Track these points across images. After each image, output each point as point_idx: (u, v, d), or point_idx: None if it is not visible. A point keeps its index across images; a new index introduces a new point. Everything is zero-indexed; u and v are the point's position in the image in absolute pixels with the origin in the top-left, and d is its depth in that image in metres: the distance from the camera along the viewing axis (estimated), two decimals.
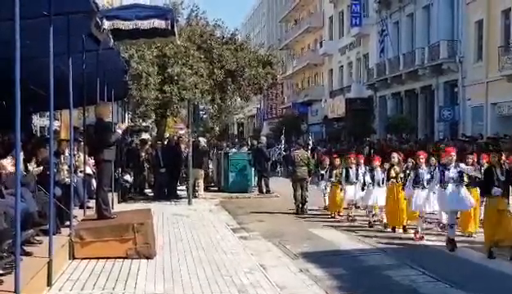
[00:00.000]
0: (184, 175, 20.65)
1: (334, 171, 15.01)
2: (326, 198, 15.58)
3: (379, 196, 12.95)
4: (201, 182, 19.28)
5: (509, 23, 26.76)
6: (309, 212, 15.58)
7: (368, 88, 42.02)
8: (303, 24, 55.33)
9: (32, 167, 8.54)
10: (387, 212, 12.73)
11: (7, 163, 6.89)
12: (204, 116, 24.23)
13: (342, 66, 48.78)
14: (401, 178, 12.37)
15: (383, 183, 12.90)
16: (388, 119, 36.74)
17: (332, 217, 14.68)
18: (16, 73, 5.36)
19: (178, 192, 18.62)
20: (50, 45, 6.66)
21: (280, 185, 21.46)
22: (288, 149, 30.65)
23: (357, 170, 14.11)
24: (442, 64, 31.12)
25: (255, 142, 25.03)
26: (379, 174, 13.15)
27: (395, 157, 12.95)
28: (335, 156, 16.75)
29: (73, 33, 7.87)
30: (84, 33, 8.39)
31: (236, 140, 48.21)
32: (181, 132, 31.16)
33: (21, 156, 7.28)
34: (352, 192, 14.10)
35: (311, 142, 29.86)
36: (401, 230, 12.29)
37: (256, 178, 21.98)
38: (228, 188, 20.83)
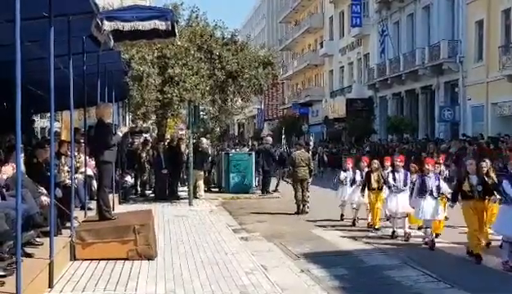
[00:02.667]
0: (185, 176, 20.66)
1: (373, 175, 12.77)
2: (345, 207, 14.31)
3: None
4: (202, 183, 19.28)
5: (509, 23, 26.76)
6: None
7: (369, 88, 42.04)
8: (304, 25, 55.35)
9: None
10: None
11: (9, 170, 6.88)
12: (205, 117, 24.20)
13: (342, 66, 48.79)
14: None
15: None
16: (388, 119, 36.77)
17: (376, 229, 12.66)
18: (17, 75, 5.36)
19: (179, 193, 18.61)
20: (50, 46, 6.66)
21: (281, 186, 21.50)
22: (288, 150, 30.74)
23: (406, 175, 12.05)
24: (442, 64, 31.13)
25: (256, 143, 25.09)
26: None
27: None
28: (365, 158, 14.94)
29: (73, 34, 7.88)
30: (85, 35, 8.40)
31: (237, 140, 48.24)
32: (182, 133, 31.19)
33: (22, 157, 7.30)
34: (400, 201, 11.78)
35: (311, 142, 29.82)
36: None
37: (258, 179, 22.00)
38: (229, 189, 20.84)
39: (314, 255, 10.11)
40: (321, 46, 52.93)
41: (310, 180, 16.26)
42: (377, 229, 12.54)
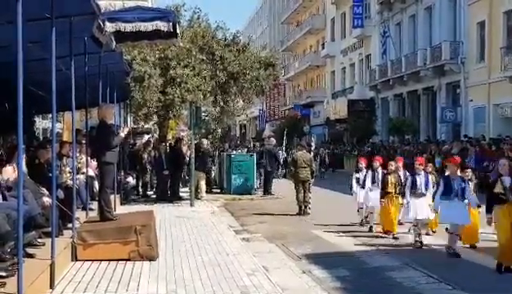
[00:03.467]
0: (186, 177, 20.66)
1: (390, 178, 11.91)
2: (363, 210, 13.39)
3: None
4: (203, 184, 19.29)
5: (511, 24, 26.76)
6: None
7: (370, 89, 42.06)
8: (305, 26, 55.39)
9: None
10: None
11: (10, 171, 6.89)
12: (206, 118, 24.21)
13: (344, 68, 48.80)
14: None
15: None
16: (390, 121, 36.77)
17: (394, 237, 11.76)
18: (19, 76, 5.37)
19: (181, 194, 18.61)
20: (52, 47, 6.67)
21: (283, 187, 21.48)
22: (289, 151, 30.76)
23: (427, 178, 11.10)
24: (444, 66, 31.14)
25: (258, 144, 25.11)
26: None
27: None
28: (378, 158, 13.78)
29: (75, 35, 7.89)
30: (86, 36, 8.41)
31: (238, 141, 48.23)
32: (183, 134, 31.21)
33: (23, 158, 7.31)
34: (422, 206, 10.82)
35: (313, 143, 29.81)
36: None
37: (259, 180, 22.04)
38: (231, 190, 20.85)
39: (315, 256, 10.10)
40: (323, 48, 52.97)
41: (312, 181, 16.24)
42: (396, 238, 11.58)
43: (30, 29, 6.59)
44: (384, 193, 11.82)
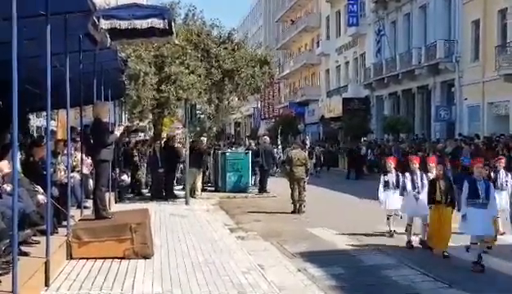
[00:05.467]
0: (181, 176, 20.63)
1: (439, 184, 9.93)
2: (391, 220, 11.85)
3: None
4: (198, 182, 19.26)
5: (505, 23, 26.80)
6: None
7: (365, 88, 42.09)
8: (300, 24, 55.38)
9: None
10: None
11: (5, 165, 6.85)
12: (202, 116, 24.16)
13: (339, 66, 48.82)
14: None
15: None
16: (385, 119, 36.82)
17: (445, 256, 9.80)
18: (14, 73, 5.34)
19: (176, 192, 18.59)
20: (47, 44, 6.63)
21: (278, 185, 21.47)
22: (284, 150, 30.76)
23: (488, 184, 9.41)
24: (438, 64, 31.18)
25: (252, 142, 25.10)
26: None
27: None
28: (416, 159, 11.58)
29: (70, 32, 7.84)
30: (81, 33, 8.37)
31: (233, 139, 48.21)
32: (178, 132, 31.15)
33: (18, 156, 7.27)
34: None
35: (308, 142, 29.83)
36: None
37: (255, 177, 22.04)
38: (225, 188, 20.84)
39: (311, 254, 10.11)
40: (318, 46, 52.98)
41: (307, 180, 16.24)
42: (447, 256, 9.67)
43: (25, 26, 6.55)
44: (432, 202, 9.96)
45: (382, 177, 12.07)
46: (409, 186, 10.92)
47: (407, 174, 11.12)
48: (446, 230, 9.81)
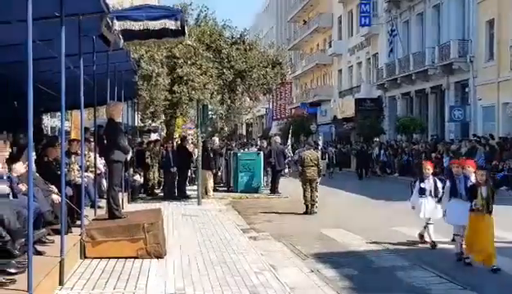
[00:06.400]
0: (193, 176, 20.69)
1: (481, 190, 8.98)
2: (431, 229, 10.76)
3: None
4: (210, 182, 19.31)
5: None
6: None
7: (377, 88, 41.97)
8: (312, 24, 55.31)
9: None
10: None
11: (20, 166, 6.91)
12: (214, 116, 24.22)
13: (351, 66, 48.72)
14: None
15: None
16: (398, 119, 36.68)
17: (494, 270, 8.71)
18: (29, 74, 5.39)
19: (188, 192, 18.65)
20: (62, 46, 6.68)
21: (290, 186, 21.46)
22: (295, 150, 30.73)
23: None
24: (452, 64, 31.01)
25: (265, 142, 25.10)
26: None
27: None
28: (470, 162, 10.58)
29: (84, 33, 7.91)
30: (95, 34, 8.43)
31: (245, 140, 48.28)
32: (190, 132, 31.27)
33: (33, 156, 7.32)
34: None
35: (320, 142, 29.80)
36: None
37: (266, 178, 22.05)
38: (237, 188, 20.86)
39: (323, 255, 10.09)
40: (330, 46, 52.89)
41: (319, 180, 16.22)
42: (497, 269, 8.63)
43: (40, 28, 6.61)
44: (472, 210, 9.13)
45: (417, 183, 11.05)
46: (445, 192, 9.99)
47: (448, 180, 10.24)
48: (486, 239, 8.93)
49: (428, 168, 11.14)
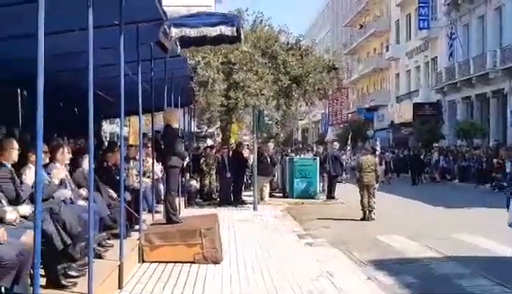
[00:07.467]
0: (249, 181, 20.75)
1: None
2: None
3: None
4: (266, 188, 19.31)
5: None
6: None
7: (436, 92, 41.11)
8: (369, 29, 54.76)
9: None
10: None
11: (61, 171, 6.98)
12: (269, 122, 24.24)
13: (409, 70, 47.93)
14: None
15: None
16: (458, 124, 35.81)
17: None
18: (90, 82, 5.52)
19: (243, 198, 18.70)
20: (121, 53, 6.82)
21: (346, 192, 21.24)
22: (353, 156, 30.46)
23: None
24: None
25: (321, 148, 24.96)
26: None
27: None
28: None
29: (142, 41, 8.05)
30: (152, 41, 8.57)
31: (300, 145, 48.14)
32: (246, 138, 31.40)
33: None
34: None
35: (378, 148, 29.41)
36: None
37: (323, 184, 21.89)
38: (293, 194, 20.78)
39: (381, 262, 9.90)
40: (387, 50, 52.23)
41: (376, 186, 15.97)
42: None
43: (100, 36, 6.77)
44: None
45: None
46: None
47: None
48: None
49: None
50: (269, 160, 19.76)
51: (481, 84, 34.20)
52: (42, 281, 5.58)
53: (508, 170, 23.05)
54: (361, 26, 58.66)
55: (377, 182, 15.97)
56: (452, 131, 37.38)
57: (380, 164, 25.66)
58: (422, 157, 33.72)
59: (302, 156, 24.38)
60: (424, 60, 44.73)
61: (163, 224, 9.50)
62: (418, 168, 32.16)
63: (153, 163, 10.96)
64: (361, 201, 15.59)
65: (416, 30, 44.12)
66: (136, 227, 8.89)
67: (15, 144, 6.15)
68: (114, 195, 8.46)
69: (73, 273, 6.06)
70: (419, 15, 41.89)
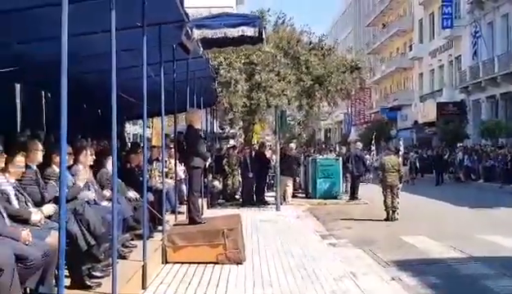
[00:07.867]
0: (272, 182, 20.74)
1: None
2: None
3: None
4: (289, 188, 19.28)
5: None
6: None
7: (460, 92, 40.66)
8: (392, 28, 54.39)
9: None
10: None
11: (82, 171, 7.04)
12: (292, 122, 24.17)
13: (433, 69, 47.48)
14: None
15: None
16: (482, 124, 35.36)
17: None
18: (113, 83, 5.56)
19: (266, 198, 18.70)
20: (143, 55, 6.86)
21: (370, 192, 21.11)
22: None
23: None
24: None
25: (344, 148, 24.84)
26: None
27: None
28: None
29: (164, 42, 8.09)
30: (175, 43, 8.61)
31: (322, 145, 47.96)
32: (268, 138, 31.40)
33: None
34: None
35: (401, 148, 29.15)
36: None
37: (346, 184, 21.79)
38: (316, 194, 20.72)
39: (404, 262, 9.81)
40: (410, 49, 51.82)
41: (400, 187, 15.84)
42: None
43: (122, 38, 6.82)
44: None
45: None
46: None
47: None
48: None
49: None
50: (293, 160, 19.72)
51: (506, 83, 33.74)
52: (67, 281, 5.65)
53: None
54: (384, 26, 58.26)
55: (401, 182, 15.85)
56: (477, 130, 36.93)
57: (404, 164, 25.46)
58: (446, 157, 33.48)
59: (324, 156, 24.27)
60: (447, 59, 44.27)
61: (186, 224, 9.53)
62: (442, 168, 31.98)
63: (175, 164, 11.01)
64: (385, 201, 15.48)
65: (440, 29, 43.66)
66: (160, 228, 8.93)
67: (40, 146, 6.24)
68: (137, 196, 8.51)
69: (97, 273, 6.12)
70: (443, 14, 41.46)
